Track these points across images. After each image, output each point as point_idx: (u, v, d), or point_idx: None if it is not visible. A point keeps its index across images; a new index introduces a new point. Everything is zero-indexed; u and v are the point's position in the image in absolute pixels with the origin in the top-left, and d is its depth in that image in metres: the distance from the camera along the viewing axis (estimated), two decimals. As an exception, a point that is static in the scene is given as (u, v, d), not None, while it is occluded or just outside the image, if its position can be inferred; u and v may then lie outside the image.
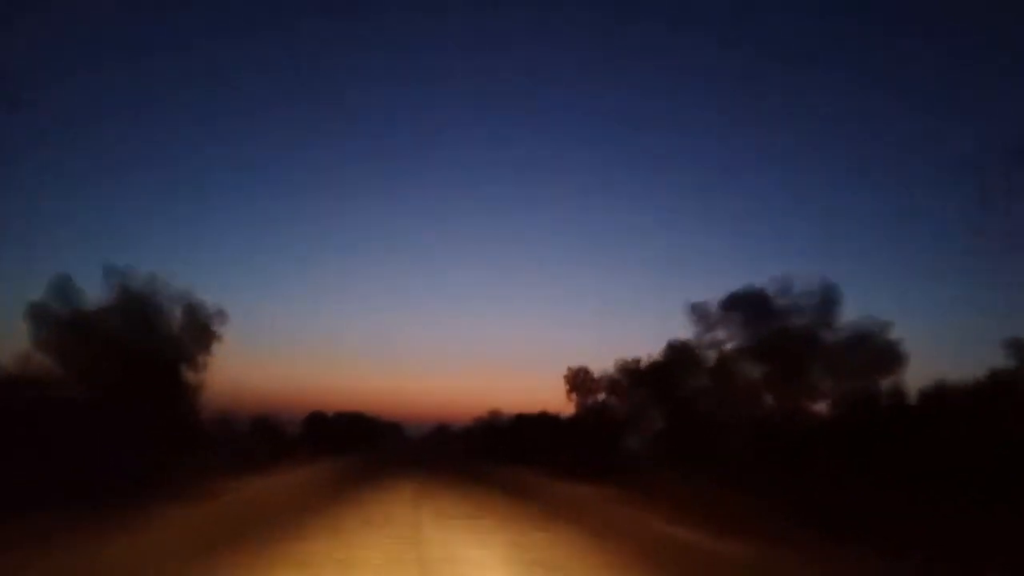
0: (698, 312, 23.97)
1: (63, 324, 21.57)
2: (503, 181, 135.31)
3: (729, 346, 24.05)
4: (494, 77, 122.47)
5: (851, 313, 23.84)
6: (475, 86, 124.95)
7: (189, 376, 24.01)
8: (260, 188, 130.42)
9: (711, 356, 24.66)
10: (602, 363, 55.80)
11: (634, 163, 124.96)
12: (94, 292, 22.56)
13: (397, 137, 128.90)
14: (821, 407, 24.20)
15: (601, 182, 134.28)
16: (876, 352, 23.29)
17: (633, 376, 28.62)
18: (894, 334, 23.26)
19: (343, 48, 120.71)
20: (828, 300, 23.95)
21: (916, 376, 26.35)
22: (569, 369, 45.24)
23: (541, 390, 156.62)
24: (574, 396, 45.03)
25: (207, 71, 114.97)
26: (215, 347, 24.42)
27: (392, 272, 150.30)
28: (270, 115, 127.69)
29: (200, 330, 24.13)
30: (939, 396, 24.12)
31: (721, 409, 23.99)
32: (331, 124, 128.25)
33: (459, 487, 20.63)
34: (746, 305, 23.77)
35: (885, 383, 23.00)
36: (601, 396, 45.04)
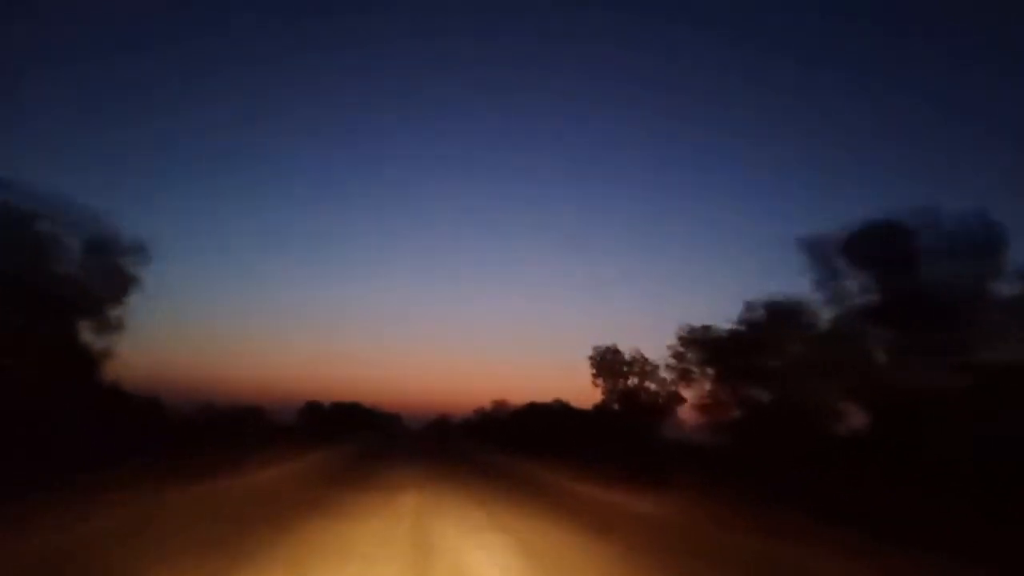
0: (813, 250, 16.94)
1: None
2: (513, 169, 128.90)
3: (852, 301, 17.06)
4: (502, 66, 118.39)
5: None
6: (483, 75, 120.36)
7: (92, 338, 17.13)
8: (245, 161, 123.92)
9: (822, 315, 17.73)
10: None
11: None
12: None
13: (402, 116, 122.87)
14: (974, 385, 17.29)
15: (618, 163, 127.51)
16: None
17: (703, 349, 21.69)
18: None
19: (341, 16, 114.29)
20: (990, 240, 17.04)
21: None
22: (595, 349, 38.43)
23: (554, 380, 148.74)
24: (600, 381, 38.28)
25: None
26: (131, 297, 17.53)
27: (397, 259, 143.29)
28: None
29: (109, 272, 17.21)
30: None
31: (830, 389, 17.14)
32: (339, 94, 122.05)
33: (463, 503, 13.55)
34: (877, 243, 16.85)
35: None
36: (632, 380, 38.37)
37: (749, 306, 20.16)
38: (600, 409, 38.90)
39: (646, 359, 37.22)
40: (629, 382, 37.72)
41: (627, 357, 37.54)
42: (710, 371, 21.71)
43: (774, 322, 18.63)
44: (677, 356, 23.26)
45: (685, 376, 22.84)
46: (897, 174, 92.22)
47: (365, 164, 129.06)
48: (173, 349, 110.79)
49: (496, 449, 43.75)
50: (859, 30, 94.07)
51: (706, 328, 21.93)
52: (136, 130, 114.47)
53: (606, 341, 40.26)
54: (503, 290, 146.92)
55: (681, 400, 37.07)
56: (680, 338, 22.78)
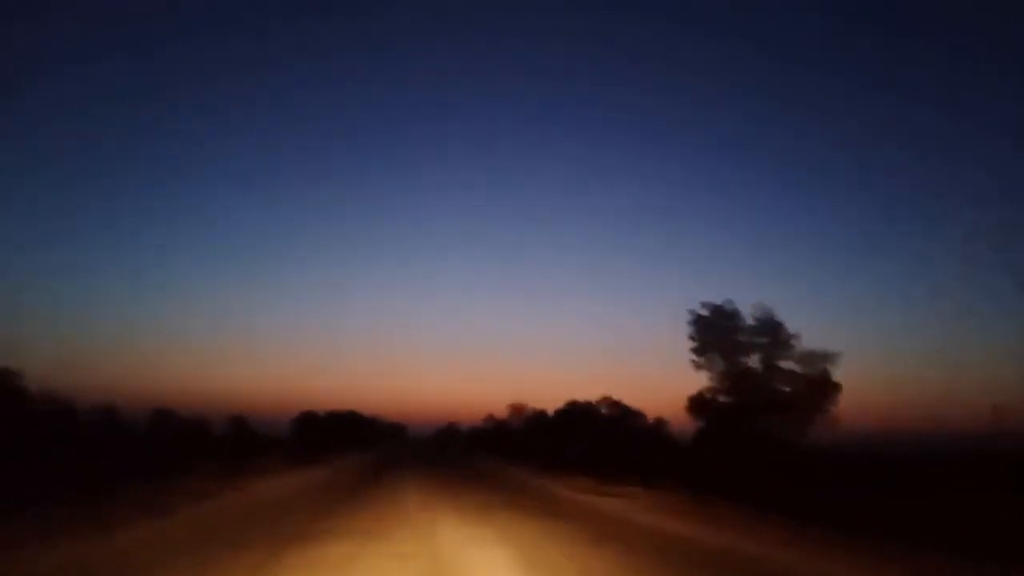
0: None
1: None
2: (520, 169, 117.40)
3: None
4: (509, 71, 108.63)
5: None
6: (485, 75, 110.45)
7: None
8: (250, 182, 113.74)
9: None
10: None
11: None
12: None
13: (407, 122, 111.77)
14: None
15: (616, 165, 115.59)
16: None
17: None
18: None
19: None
20: None
21: None
22: (696, 312, 24.45)
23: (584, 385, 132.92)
24: (705, 360, 24.88)
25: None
26: None
27: (404, 265, 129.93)
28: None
29: None
30: None
31: None
32: (339, 99, 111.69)
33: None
34: None
35: None
36: (755, 358, 24.90)
37: None
38: (703, 403, 25.51)
39: (780, 324, 23.98)
40: (749, 361, 24.56)
41: (748, 322, 24.29)
42: None
43: None
44: None
45: None
46: (896, 174, 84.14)
47: (367, 164, 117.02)
48: (162, 359, 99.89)
49: (538, 470, 30.10)
50: (859, 30, 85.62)
51: None
52: (135, 132, 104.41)
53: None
54: (516, 292, 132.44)
55: (835, 388, 24.03)
56: None
